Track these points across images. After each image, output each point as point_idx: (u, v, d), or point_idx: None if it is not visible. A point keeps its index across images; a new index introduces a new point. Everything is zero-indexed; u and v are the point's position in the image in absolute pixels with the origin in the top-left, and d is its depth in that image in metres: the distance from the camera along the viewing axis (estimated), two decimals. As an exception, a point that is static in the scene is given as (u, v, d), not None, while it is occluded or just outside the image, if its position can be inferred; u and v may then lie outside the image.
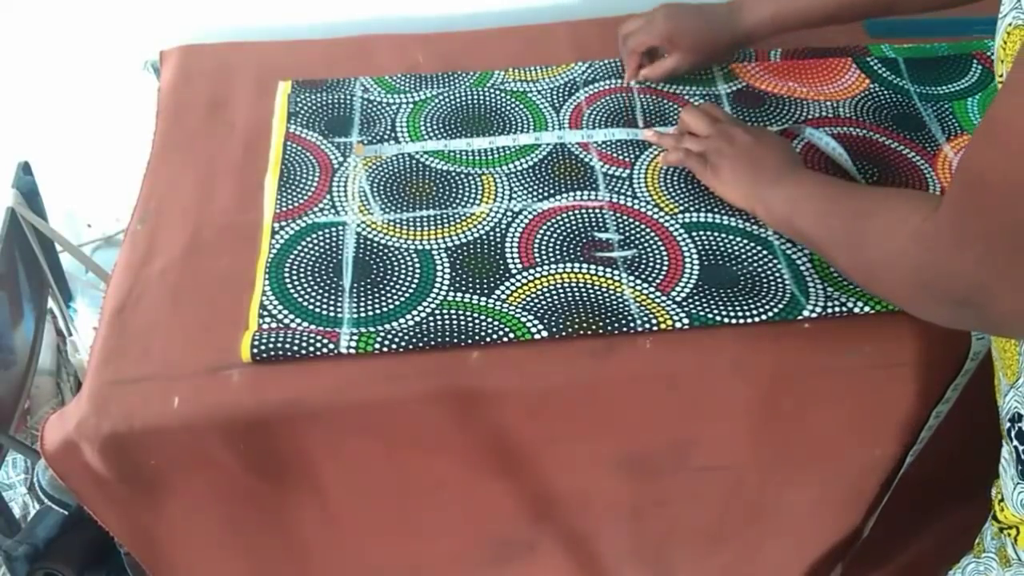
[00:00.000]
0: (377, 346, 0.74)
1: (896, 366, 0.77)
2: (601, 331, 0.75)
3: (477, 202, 0.86)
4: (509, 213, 0.85)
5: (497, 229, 0.84)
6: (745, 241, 0.82)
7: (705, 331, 0.76)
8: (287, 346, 0.73)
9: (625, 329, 0.75)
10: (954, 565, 0.75)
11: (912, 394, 0.80)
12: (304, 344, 0.73)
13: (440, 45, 1.04)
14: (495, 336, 0.74)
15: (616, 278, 0.79)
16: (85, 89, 1.16)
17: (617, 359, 0.75)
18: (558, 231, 0.84)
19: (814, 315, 0.76)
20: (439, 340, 0.74)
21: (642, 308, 0.77)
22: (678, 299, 0.77)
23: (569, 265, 0.81)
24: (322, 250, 0.82)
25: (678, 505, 0.92)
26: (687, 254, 0.81)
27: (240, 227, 0.84)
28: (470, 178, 0.89)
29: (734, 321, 0.76)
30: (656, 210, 0.86)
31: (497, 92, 0.98)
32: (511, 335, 0.75)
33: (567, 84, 0.99)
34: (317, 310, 0.77)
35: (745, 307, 0.77)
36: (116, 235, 1.33)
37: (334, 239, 0.83)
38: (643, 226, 0.84)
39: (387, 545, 0.91)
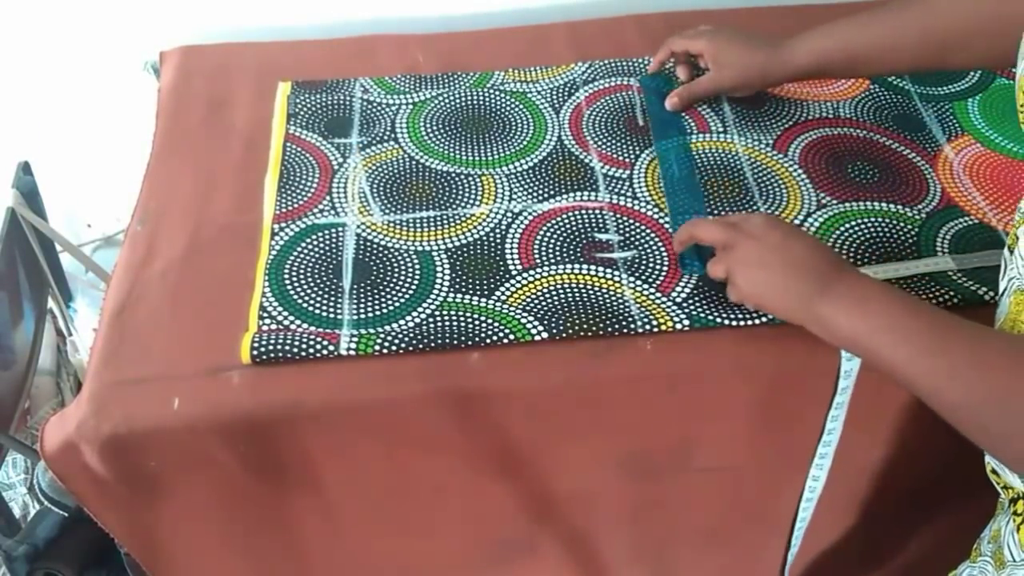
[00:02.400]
0: (377, 347, 0.74)
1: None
2: (601, 332, 0.75)
3: (477, 203, 0.86)
4: (509, 214, 0.85)
5: (497, 230, 0.84)
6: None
7: (705, 332, 0.76)
8: (287, 347, 0.73)
9: (625, 330, 0.75)
10: (951, 570, 0.75)
11: (911, 395, 0.80)
12: (304, 345, 0.73)
13: (440, 45, 1.04)
14: (495, 337, 0.74)
15: (616, 279, 0.79)
16: (85, 89, 1.16)
17: (617, 360, 0.75)
18: (558, 232, 0.84)
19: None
20: (439, 341, 0.74)
21: (642, 309, 0.77)
22: (678, 300, 0.77)
23: (569, 266, 0.81)
24: (322, 251, 0.82)
25: (678, 506, 0.92)
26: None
27: (240, 228, 0.84)
28: (470, 179, 0.89)
29: (734, 323, 0.76)
30: (656, 211, 0.86)
31: (497, 92, 0.98)
32: (511, 336, 0.75)
33: (567, 84, 0.99)
34: (317, 311, 0.77)
35: (745, 309, 0.77)
36: (116, 235, 1.33)
37: (334, 240, 0.83)
38: (643, 227, 0.84)
39: (387, 546, 0.91)
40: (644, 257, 0.81)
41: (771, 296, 0.69)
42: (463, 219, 0.85)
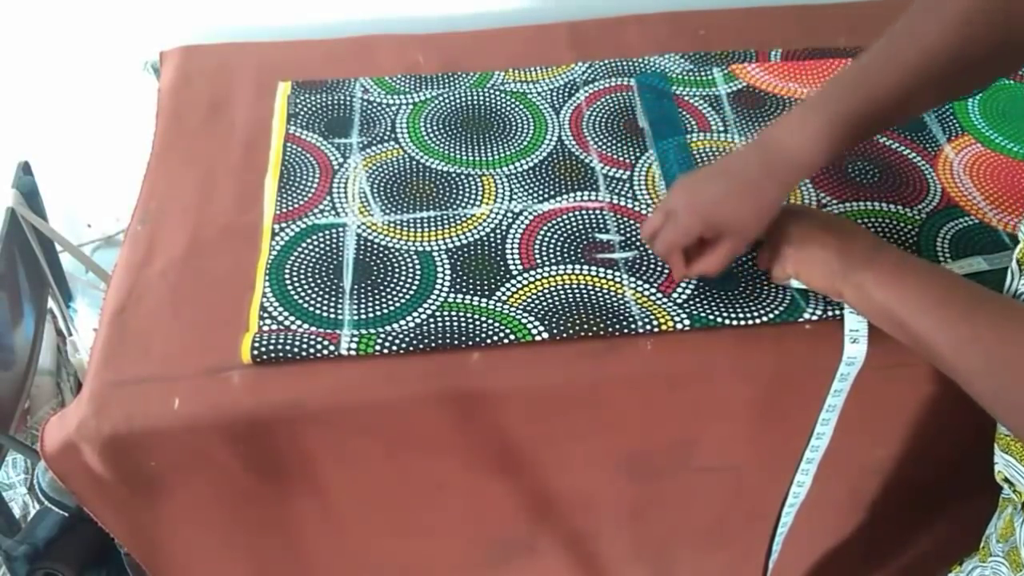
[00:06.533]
0: (377, 347, 0.73)
1: (895, 366, 0.77)
2: (602, 332, 0.75)
3: (477, 203, 0.86)
4: (510, 214, 0.85)
5: (498, 230, 0.84)
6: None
7: (706, 332, 0.76)
8: (287, 347, 0.73)
9: (626, 330, 0.75)
10: (954, 566, 0.75)
11: (911, 394, 0.80)
12: (304, 345, 0.73)
13: (440, 45, 1.04)
14: (496, 338, 0.74)
15: (617, 279, 0.79)
16: (85, 89, 1.16)
17: (618, 360, 0.75)
18: (559, 232, 0.84)
19: (814, 318, 0.76)
20: (440, 342, 0.74)
21: (643, 309, 0.77)
22: (679, 300, 0.77)
23: (570, 266, 0.81)
24: (322, 251, 0.82)
25: (678, 506, 0.92)
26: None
27: (240, 228, 0.84)
28: (470, 179, 0.89)
29: (735, 323, 0.76)
30: (656, 211, 0.85)
31: (497, 93, 0.98)
32: (512, 336, 0.75)
33: (567, 84, 0.99)
34: (317, 311, 0.77)
35: (745, 309, 0.77)
36: (116, 235, 1.33)
37: (334, 240, 0.83)
38: (644, 227, 0.84)
39: (387, 545, 0.91)
40: (645, 257, 0.81)
41: (817, 263, 0.70)
42: (463, 219, 0.85)
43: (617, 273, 0.80)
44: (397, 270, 0.80)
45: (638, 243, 0.83)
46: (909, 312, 0.62)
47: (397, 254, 0.82)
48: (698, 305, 0.77)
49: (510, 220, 0.85)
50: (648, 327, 0.75)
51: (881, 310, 0.65)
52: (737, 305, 0.77)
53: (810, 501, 0.91)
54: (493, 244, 0.83)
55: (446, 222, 0.84)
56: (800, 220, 0.72)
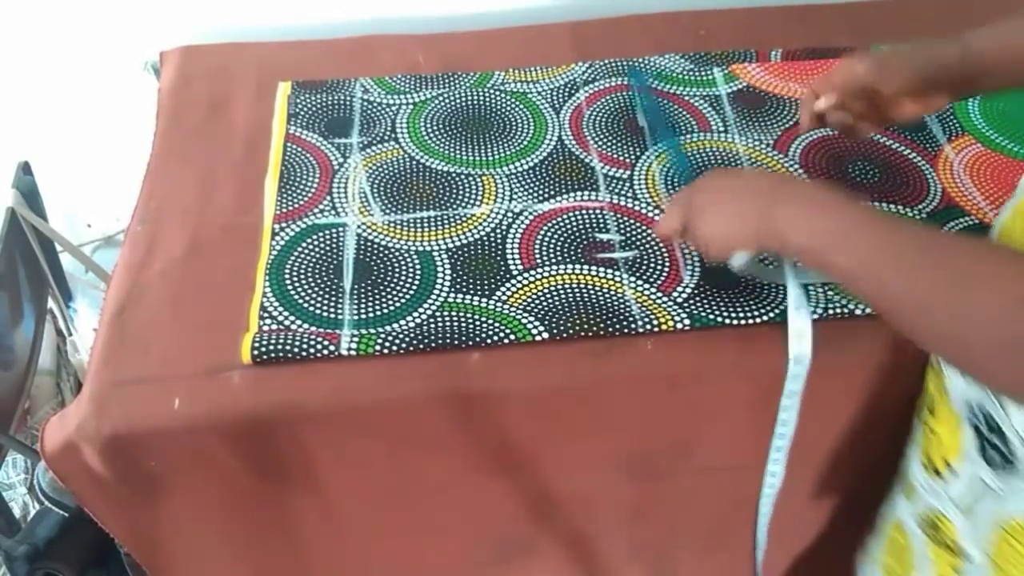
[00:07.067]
0: (378, 348, 0.73)
1: (895, 367, 0.77)
2: (602, 332, 0.75)
3: (478, 203, 0.86)
4: (510, 214, 0.85)
5: (498, 230, 0.84)
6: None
7: (706, 332, 0.76)
8: (287, 348, 0.73)
9: (626, 330, 0.75)
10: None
11: (911, 395, 0.80)
12: (304, 346, 0.73)
13: (440, 46, 1.04)
14: (496, 337, 0.74)
15: (617, 279, 0.79)
16: (85, 89, 1.16)
17: (618, 360, 0.75)
18: (559, 232, 0.84)
19: (815, 317, 0.76)
20: (440, 342, 0.74)
21: (643, 309, 0.77)
22: (679, 300, 0.77)
23: (570, 266, 0.81)
24: (322, 251, 0.82)
25: (678, 505, 0.92)
26: (688, 255, 0.81)
27: (240, 228, 0.84)
28: (470, 179, 0.89)
29: (735, 322, 0.76)
30: (657, 211, 0.85)
31: (497, 93, 0.98)
32: (512, 336, 0.75)
33: (567, 84, 0.99)
34: (317, 311, 0.77)
35: (745, 309, 0.77)
36: (116, 235, 1.33)
37: (334, 240, 0.83)
38: (644, 227, 0.84)
39: (388, 546, 0.91)
40: (645, 257, 0.81)
41: (732, 228, 0.66)
42: (464, 219, 0.85)
43: (617, 273, 0.80)
44: (397, 270, 0.80)
45: (638, 243, 0.83)
46: (826, 248, 0.59)
47: (397, 254, 0.82)
48: (698, 305, 0.77)
49: (510, 220, 0.85)
50: (648, 327, 0.75)
51: (802, 251, 0.61)
52: (737, 305, 0.77)
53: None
54: (493, 244, 0.83)
55: (446, 222, 0.84)
56: (699, 193, 0.69)
